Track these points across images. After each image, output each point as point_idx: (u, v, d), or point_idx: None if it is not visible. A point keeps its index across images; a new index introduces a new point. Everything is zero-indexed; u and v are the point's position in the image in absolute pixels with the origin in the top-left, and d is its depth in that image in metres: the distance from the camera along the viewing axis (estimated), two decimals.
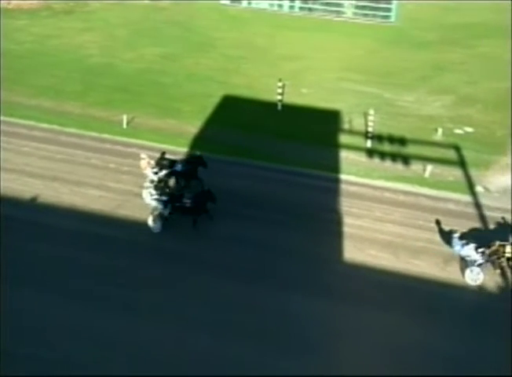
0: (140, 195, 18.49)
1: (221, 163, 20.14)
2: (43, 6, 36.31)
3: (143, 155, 18.68)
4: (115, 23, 33.87)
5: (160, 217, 16.79)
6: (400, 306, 14.52)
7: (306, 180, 19.53)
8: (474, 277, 15.12)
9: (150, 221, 16.79)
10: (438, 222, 17.40)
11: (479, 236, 16.15)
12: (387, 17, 34.81)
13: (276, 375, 12.44)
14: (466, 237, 15.71)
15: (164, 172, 18.43)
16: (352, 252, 16.32)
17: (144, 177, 18.47)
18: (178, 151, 20.99)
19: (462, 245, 15.38)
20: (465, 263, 15.43)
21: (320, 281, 15.32)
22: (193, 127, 22.73)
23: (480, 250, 15.19)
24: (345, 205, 18.34)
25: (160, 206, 16.87)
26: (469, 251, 15.26)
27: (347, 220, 17.63)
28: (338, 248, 16.50)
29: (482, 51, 29.98)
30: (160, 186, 18.04)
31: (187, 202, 16.64)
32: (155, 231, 16.80)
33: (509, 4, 34.59)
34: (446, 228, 17.03)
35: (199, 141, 21.81)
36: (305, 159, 20.56)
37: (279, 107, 24.08)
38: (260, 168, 20.04)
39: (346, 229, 17.23)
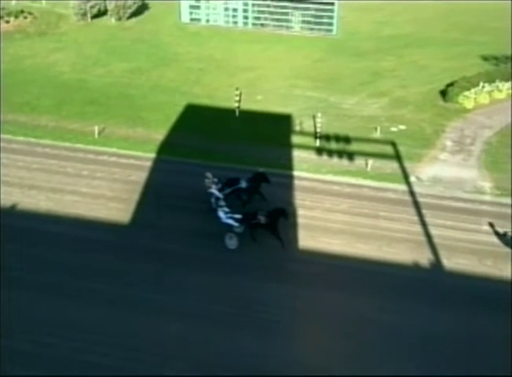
0: (113, 199, 17.99)
1: (186, 165, 19.80)
2: (17, 29, 34.75)
3: (208, 174, 17.19)
4: (84, 42, 32.74)
5: (236, 235, 15.74)
6: (349, 284, 14.59)
7: None
8: None
9: (226, 239, 15.78)
10: (492, 225, 16.74)
11: None
12: (330, 30, 34.91)
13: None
14: None
15: (229, 190, 17.13)
16: (307, 240, 16.20)
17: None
18: (147, 156, 20.49)
19: None
20: None
21: (279, 267, 15.17)
22: (159, 134, 22.15)
23: None
24: (299, 198, 18.20)
25: (235, 224, 15.81)
26: None
27: (301, 211, 17.50)
28: (294, 237, 16.35)
29: (411, 59, 30.42)
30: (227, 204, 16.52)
31: (261, 219, 15.64)
32: (231, 247, 15.68)
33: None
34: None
35: (165, 147, 21.27)
36: (261, 159, 20.28)
37: (237, 113, 23.75)
38: (221, 168, 19.61)
39: (300, 220, 17.09)
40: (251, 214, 15.92)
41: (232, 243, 15.79)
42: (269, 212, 15.81)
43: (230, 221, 15.92)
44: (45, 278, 14.57)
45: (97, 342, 12.62)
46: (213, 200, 16.99)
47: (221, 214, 16.12)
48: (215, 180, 17.12)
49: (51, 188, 18.48)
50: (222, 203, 16.42)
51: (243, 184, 17.27)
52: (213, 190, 17.03)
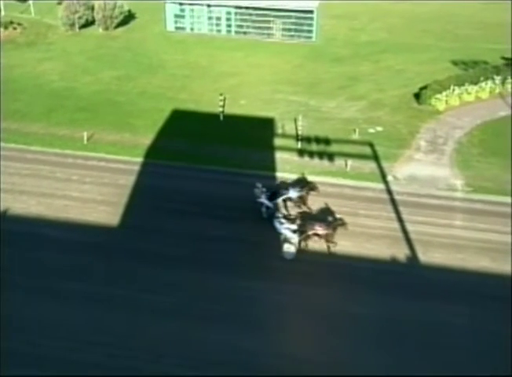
0: (102, 202, 17.77)
1: (172, 169, 19.68)
2: (7, 40, 34.08)
3: (258, 184, 16.79)
4: (73, 51, 32.25)
5: (293, 245, 15.22)
6: (332, 279, 14.63)
7: (247, 179, 19.11)
8: None
9: (284, 249, 15.20)
10: None
11: None
12: (309, 37, 34.95)
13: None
14: None
15: (279, 199, 16.71)
16: None
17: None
18: (134, 161, 20.24)
19: None
20: None
21: (265, 265, 15.14)
22: (147, 139, 21.94)
23: None
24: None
25: (292, 235, 15.32)
26: None
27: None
28: (278, 235, 16.27)
29: (387, 64, 30.64)
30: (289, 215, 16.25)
31: (319, 229, 15.28)
32: (289, 258, 15.13)
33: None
34: None
35: (152, 151, 21.07)
36: (245, 161, 20.25)
37: (221, 117, 23.65)
38: (207, 171, 19.61)
39: None
40: (310, 224, 15.45)
41: (289, 253, 15.23)
42: (328, 222, 15.42)
43: (286, 232, 15.39)
44: (37, 280, 14.35)
45: (90, 342, 12.47)
46: (263, 210, 16.64)
47: (277, 225, 15.58)
48: (264, 189, 16.72)
49: (42, 193, 18.19)
50: (279, 214, 15.85)
51: (293, 194, 16.89)
52: (264, 200, 16.61)
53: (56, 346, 12.35)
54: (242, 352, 12.31)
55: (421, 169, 20.15)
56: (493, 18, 39.12)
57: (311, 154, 21.01)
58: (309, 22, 34.81)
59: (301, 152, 21.13)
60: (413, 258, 15.50)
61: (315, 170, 19.96)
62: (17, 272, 14.56)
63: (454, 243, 16.04)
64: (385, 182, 19.27)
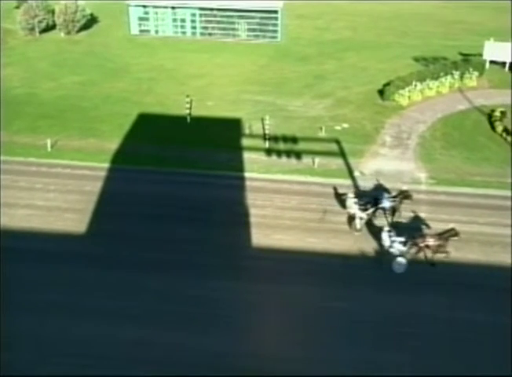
0: (68, 210, 17.39)
1: (139, 173, 19.43)
2: None
3: (349, 194, 16.37)
4: (33, 56, 31.43)
5: (404, 258, 14.65)
6: (301, 277, 14.71)
7: (215, 180, 19.20)
8: None
9: (394, 264, 14.63)
10: None
11: None
12: (274, 37, 35.15)
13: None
14: None
15: (372, 209, 16.20)
16: (260, 238, 16.22)
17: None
18: (101, 166, 19.88)
19: None
20: None
21: (234, 265, 15.11)
22: (113, 144, 21.58)
23: None
24: (251, 198, 18.22)
25: (402, 248, 14.68)
26: None
27: (253, 211, 17.52)
28: (248, 236, 16.33)
29: (351, 62, 31.10)
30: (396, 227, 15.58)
31: (430, 240, 14.69)
32: (399, 271, 14.60)
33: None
34: None
35: (118, 156, 20.75)
36: (213, 163, 20.19)
37: (189, 119, 23.50)
38: (175, 174, 19.45)
39: (253, 219, 17.11)
40: (420, 236, 15.04)
41: (399, 267, 14.71)
42: (439, 233, 15.02)
43: (395, 245, 14.83)
44: (3, 292, 13.87)
45: (60, 353, 12.19)
46: (357, 221, 16.17)
47: (385, 237, 15.03)
48: (356, 200, 16.28)
49: (4, 204, 17.63)
50: (387, 228, 15.29)
51: (386, 203, 16.50)
52: (356, 210, 16.15)
53: (26, 359, 12.03)
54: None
55: (386, 163, 20.54)
56: (452, 16, 40.35)
57: (278, 153, 21.11)
58: (273, 22, 35.02)
59: (268, 152, 21.21)
60: (380, 251, 15.72)
61: (283, 169, 20.09)
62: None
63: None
64: (353, 178, 19.55)
